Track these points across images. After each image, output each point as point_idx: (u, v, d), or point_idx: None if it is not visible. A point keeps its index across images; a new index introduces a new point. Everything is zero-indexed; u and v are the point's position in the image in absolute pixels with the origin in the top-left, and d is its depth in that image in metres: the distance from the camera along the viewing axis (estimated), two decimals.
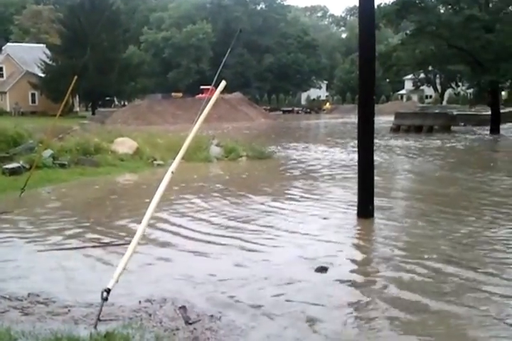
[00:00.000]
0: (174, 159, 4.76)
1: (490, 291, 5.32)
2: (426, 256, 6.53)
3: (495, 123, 30.52)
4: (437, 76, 71.65)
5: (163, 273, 5.78)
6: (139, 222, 4.75)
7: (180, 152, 4.47)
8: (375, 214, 8.60)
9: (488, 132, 30.14)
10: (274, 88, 78.87)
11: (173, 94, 57.51)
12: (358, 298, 5.16)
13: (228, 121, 43.35)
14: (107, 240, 7.21)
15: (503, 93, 44.84)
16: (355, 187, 8.90)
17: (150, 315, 4.55)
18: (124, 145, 16.40)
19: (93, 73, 49.06)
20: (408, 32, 33.02)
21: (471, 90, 52.09)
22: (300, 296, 5.15)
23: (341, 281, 5.67)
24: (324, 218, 8.76)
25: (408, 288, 5.46)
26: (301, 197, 10.89)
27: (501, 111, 32.13)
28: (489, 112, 32.01)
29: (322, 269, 5.87)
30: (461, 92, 67.61)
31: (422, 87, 77.38)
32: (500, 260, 6.42)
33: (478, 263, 6.27)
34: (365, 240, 7.57)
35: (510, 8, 32.30)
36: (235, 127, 38.02)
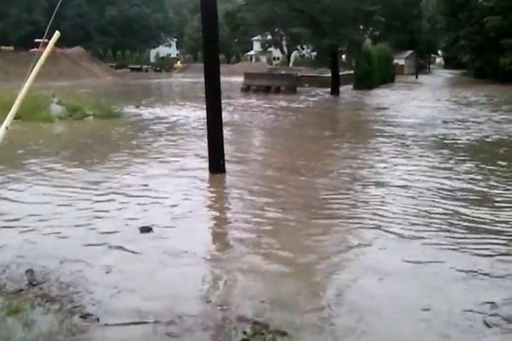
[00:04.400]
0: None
1: None
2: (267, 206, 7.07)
3: (335, 84, 32.46)
4: (284, 38, 73.80)
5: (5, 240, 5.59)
6: None
7: (13, 107, 4.25)
8: (227, 169, 8.96)
9: (329, 93, 32.01)
10: (119, 43, 75.31)
11: (2, 47, 52.42)
12: None
13: (71, 78, 41.01)
14: None
15: (342, 56, 47.63)
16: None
17: None
18: None
19: None
20: None
21: (314, 53, 54.64)
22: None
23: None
24: (177, 175, 8.93)
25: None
26: (154, 154, 10.92)
27: (340, 73, 34.18)
28: (330, 74, 33.93)
29: (147, 229, 5.96)
30: (306, 55, 70.56)
31: (269, 49, 79.33)
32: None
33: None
34: (215, 193, 7.92)
35: None
36: (79, 84, 36.14)
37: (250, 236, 5.98)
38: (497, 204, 7.39)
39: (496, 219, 6.66)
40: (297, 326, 3.94)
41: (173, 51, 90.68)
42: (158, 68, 71.25)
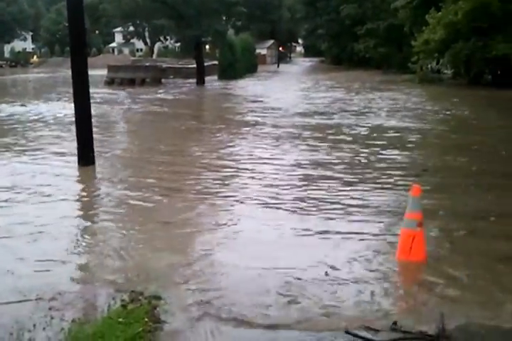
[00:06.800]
0: None
1: None
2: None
3: (200, 75, 33.06)
4: (146, 29, 72.78)
5: None
6: None
7: None
8: (96, 161, 9.20)
9: (194, 84, 32.49)
10: None
11: None
12: None
13: None
14: None
15: (207, 47, 48.27)
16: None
17: None
18: None
19: None
20: None
21: (178, 44, 54.67)
22: None
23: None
24: (45, 169, 9.02)
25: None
26: (18, 149, 10.79)
27: (205, 64, 34.80)
28: (195, 65, 34.38)
29: None
30: (170, 46, 70.26)
31: (132, 40, 77.81)
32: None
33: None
34: (85, 185, 8.21)
35: None
36: None
37: (117, 218, 6.46)
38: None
39: None
40: (171, 292, 4.44)
41: (28, 45, 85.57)
42: (13, 63, 66.97)
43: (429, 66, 32.29)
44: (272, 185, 7.95)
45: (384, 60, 45.60)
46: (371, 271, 4.87)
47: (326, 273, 4.77)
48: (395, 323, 3.88)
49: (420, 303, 4.32)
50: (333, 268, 4.89)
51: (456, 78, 30.76)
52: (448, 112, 17.62)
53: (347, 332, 3.76)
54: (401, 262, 5.07)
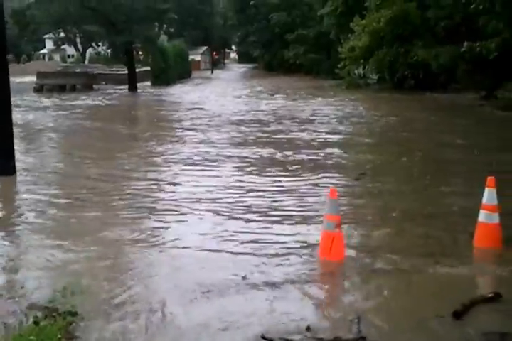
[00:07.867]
0: None
1: None
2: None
3: (132, 81, 32.62)
4: (77, 35, 71.02)
5: None
6: None
7: None
8: (18, 171, 8.93)
9: (126, 90, 32.00)
10: None
11: None
12: None
13: None
14: None
15: (140, 53, 47.64)
16: None
17: None
18: None
19: None
20: None
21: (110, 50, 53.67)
22: None
23: None
24: None
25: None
26: None
27: (138, 70, 34.38)
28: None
29: None
30: (102, 52, 68.85)
31: (63, 47, 75.79)
32: None
33: None
34: (4, 197, 7.92)
35: None
36: None
37: (36, 231, 6.24)
38: None
39: None
40: (88, 308, 4.32)
41: None
42: None
43: (356, 72, 33.24)
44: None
45: (314, 66, 46.51)
46: (290, 271, 4.97)
47: (244, 277, 4.82)
48: (308, 328, 3.89)
49: (337, 305, 4.41)
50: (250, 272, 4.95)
51: (381, 83, 31.79)
52: (392, 118, 17.92)
53: (263, 338, 3.80)
54: (321, 262, 5.23)
